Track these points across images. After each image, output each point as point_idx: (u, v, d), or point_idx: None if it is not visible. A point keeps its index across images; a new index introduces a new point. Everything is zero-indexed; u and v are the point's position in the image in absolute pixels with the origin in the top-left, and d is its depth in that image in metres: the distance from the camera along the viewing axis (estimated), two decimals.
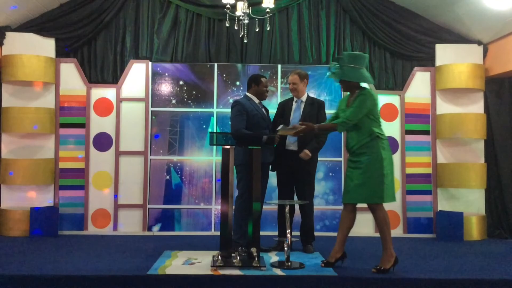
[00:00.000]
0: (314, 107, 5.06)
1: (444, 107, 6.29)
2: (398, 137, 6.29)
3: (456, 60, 6.20)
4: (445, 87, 6.19)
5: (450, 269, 4.31)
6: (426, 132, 6.31)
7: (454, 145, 6.27)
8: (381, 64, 6.51)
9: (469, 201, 6.17)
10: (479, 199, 6.20)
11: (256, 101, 5.00)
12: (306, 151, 4.83)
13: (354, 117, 4.09)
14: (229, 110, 6.18)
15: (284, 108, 5.14)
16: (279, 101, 6.25)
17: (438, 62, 6.31)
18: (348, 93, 4.35)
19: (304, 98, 5.11)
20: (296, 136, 4.65)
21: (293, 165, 4.92)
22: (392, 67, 6.52)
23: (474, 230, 5.95)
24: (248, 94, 5.03)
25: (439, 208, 6.18)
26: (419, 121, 6.32)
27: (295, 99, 5.13)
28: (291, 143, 4.95)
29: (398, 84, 6.47)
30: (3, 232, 5.83)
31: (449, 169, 6.07)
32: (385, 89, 6.42)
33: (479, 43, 6.26)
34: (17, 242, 5.40)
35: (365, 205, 6.08)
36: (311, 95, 6.25)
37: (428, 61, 6.44)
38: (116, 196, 6.08)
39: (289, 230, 4.31)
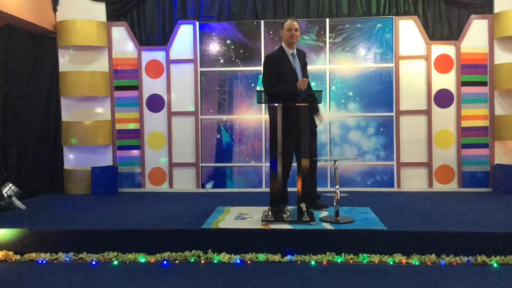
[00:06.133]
0: (304, 59, 4.78)
1: (502, 57, 5.97)
2: (453, 89, 6.07)
3: None
4: (504, 35, 5.85)
5: (506, 222, 4.21)
6: (483, 84, 6.04)
7: None
8: (436, 13, 6.19)
9: None
10: None
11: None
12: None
13: None
14: None
15: (278, 62, 4.58)
16: (328, 56, 6.16)
17: (496, 9, 5.96)
18: None
19: (295, 50, 4.69)
20: None
21: None
22: (447, 16, 6.19)
23: None
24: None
25: (496, 161, 5.98)
26: (476, 72, 6.05)
27: (289, 51, 4.62)
28: None
29: (454, 33, 6.16)
30: (67, 191, 6.22)
31: (508, 121, 5.82)
32: (440, 39, 6.14)
33: None
34: (80, 200, 5.75)
35: (417, 160, 6.05)
36: (362, 48, 6.15)
37: (485, 8, 6.06)
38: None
39: (337, 186, 4.32)
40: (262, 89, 4.49)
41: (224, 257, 3.87)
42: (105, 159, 6.34)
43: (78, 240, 4.09)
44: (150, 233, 4.08)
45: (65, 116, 6.30)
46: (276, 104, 4.32)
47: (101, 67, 6.29)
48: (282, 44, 4.72)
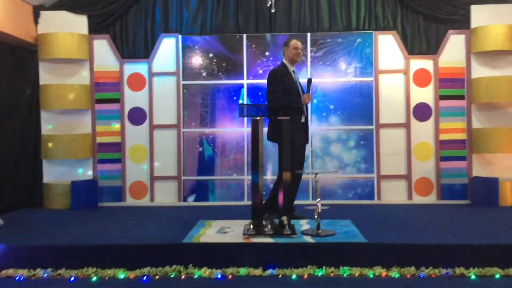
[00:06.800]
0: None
1: (479, 71, 6.10)
2: (431, 103, 6.18)
3: (492, 21, 5.97)
4: (481, 50, 5.99)
5: (484, 234, 4.28)
6: (461, 97, 6.17)
7: (489, 110, 6.11)
8: (414, 28, 6.32)
9: (505, 167, 6.04)
10: None
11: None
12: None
13: None
14: (259, 81, 6.25)
15: (283, 77, 4.86)
16: (309, 70, 6.23)
17: (473, 24, 6.09)
18: None
19: (294, 67, 5.06)
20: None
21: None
22: (425, 31, 6.33)
23: (509, 195, 5.86)
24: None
25: (474, 174, 6.08)
26: (454, 86, 6.18)
27: (291, 67, 4.95)
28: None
29: (432, 48, 6.29)
30: (46, 205, 6.12)
31: (485, 134, 5.94)
32: (418, 54, 6.26)
33: None
34: (59, 214, 5.67)
35: (397, 172, 6.12)
36: (343, 62, 6.26)
37: (463, 23, 6.21)
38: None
39: (319, 198, 4.35)
40: (244, 102, 4.59)
41: (205, 271, 3.85)
42: (86, 173, 6.28)
43: (56, 255, 4.02)
44: (130, 248, 4.04)
45: (45, 129, 6.24)
46: (258, 118, 4.35)
47: (83, 80, 6.26)
48: (284, 61, 4.99)
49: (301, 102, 4.80)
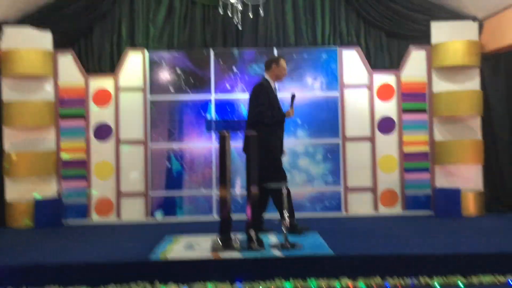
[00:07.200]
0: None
1: (440, 85, 6.29)
2: (395, 117, 6.33)
3: (451, 38, 6.17)
4: (441, 65, 6.18)
5: (447, 244, 4.38)
6: (423, 111, 6.34)
7: (450, 123, 6.29)
8: (377, 44, 6.50)
9: (467, 177, 6.21)
10: (476, 175, 6.24)
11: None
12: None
13: None
14: (226, 96, 6.28)
15: (269, 91, 4.99)
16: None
17: (433, 40, 6.28)
18: None
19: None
20: None
21: None
22: (388, 46, 6.51)
23: (471, 206, 6.02)
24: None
25: (437, 185, 6.23)
26: (416, 100, 6.35)
27: (273, 84, 5.08)
28: None
29: (394, 63, 6.47)
30: (9, 224, 5.95)
31: (446, 146, 6.11)
32: (381, 69, 6.43)
33: (474, 19, 6.23)
34: (23, 233, 5.52)
35: (363, 184, 6.23)
36: (309, 77, 6.36)
37: (423, 39, 6.40)
38: None
39: (286, 212, 4.38)
40: (212, 117, 4.61)
41: None
42: (50, 191, 6.13)
43: (18, 275, 3.89)
44: (94, 266, 3.94)
45: (8, 146, 6.08)
46: (225, 133, 4.38)
47: (47, 96, 6.15)
48: (267, 77, 5.06)
49: (285, 116, 4.98)
